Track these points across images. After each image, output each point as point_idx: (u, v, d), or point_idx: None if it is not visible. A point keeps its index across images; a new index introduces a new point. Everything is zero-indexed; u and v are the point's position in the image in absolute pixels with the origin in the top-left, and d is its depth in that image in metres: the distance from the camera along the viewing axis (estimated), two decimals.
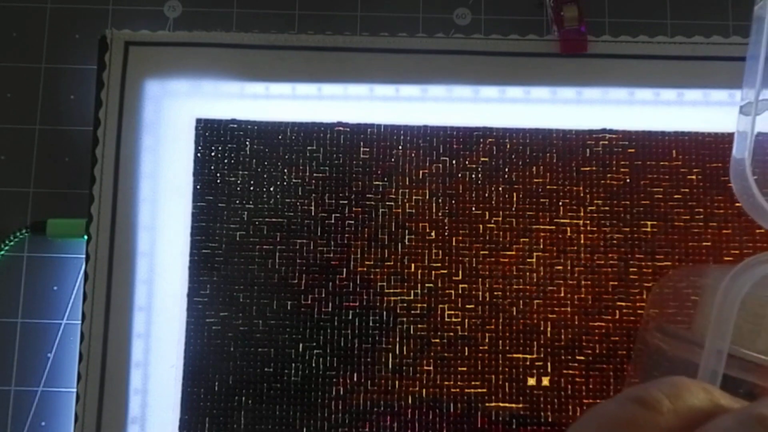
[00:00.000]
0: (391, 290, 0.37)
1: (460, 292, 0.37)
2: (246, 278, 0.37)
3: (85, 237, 0.37)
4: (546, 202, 0.38)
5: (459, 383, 0.37)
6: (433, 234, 0.38)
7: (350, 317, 0.37)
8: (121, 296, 0.37)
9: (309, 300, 0.37)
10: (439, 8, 0.41)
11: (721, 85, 0.38)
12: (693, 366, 0.27)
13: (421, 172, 0.38)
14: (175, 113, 0.39)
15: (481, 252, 0.38)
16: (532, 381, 0.37)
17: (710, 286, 0.31)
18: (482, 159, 0.38)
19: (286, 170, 0.38)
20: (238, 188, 0.38)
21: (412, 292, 0.37)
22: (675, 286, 0.35)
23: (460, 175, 0.38)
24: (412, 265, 0.37)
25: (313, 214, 0.38)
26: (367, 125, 0.39)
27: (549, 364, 0.37)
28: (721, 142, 0.38)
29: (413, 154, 0.38)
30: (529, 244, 0.38)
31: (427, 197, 0.38)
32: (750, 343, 0.28)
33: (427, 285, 0.37)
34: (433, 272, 0.37)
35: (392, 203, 0.38)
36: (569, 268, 0.37)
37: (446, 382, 0.37)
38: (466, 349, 0.37)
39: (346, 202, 0.38)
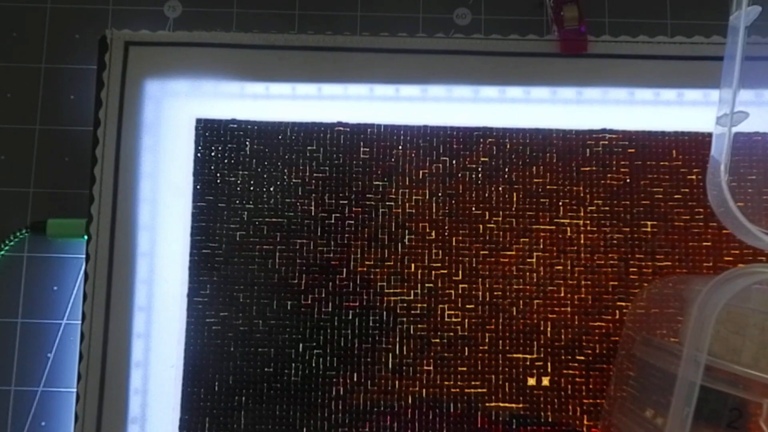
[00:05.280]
0: (391, 290, 0.37)
1: (460, 292, 0.37)
2: (246, 278, 0.37)
3: (85, 237, 0.37)
4: (546, 202, 0.38)
5: (459, 383, 0.37)
6: (433, 234, 0.38)
7: (350, 317, 0.37)
8: (121, 296, 0.37)
9: (309, 300, 0.37)
10: (439, 8, 0.41)
11: None
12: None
13: (421, 172, 0.38)
14: (175, 113, 0.39)
15: (481, 252, 0.38)
16: (532, 381, 0.37)
17: (692, 298, 0.31)
18: (482, 159, 0.38)
19: (286, 170, 0.38)
20: (238, 188, 0.38)
21: (412, 292, 0.37)
22: (660, 294, 0.35)
23: (460, 175, 0.38)
24: (412, 265, 0.37)
25: (313, 214, 0.38)
26: (367, 125, 0.39)
27: (549, 364, 0.37)
28: None
29: (413, 154, 0.38)
30: (529, 244, 0.38)
31: (427, 197, 0.38)
32: (736, 356, 0.28)
33: (427, 285, 0.37)
34: (433, 272, 0.37)
35: (392, 203, 0.38)
36: (569, 268, 0.37)
37: (446, 382, 0.37)
38: (466, 349, 0.37)
39: (346, 202, 0.38)
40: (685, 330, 0.28)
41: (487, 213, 0.38)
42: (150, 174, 0.38)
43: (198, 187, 0.38)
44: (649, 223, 0.38)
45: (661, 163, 0.38)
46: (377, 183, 0.38)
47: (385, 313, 0.37)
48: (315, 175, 0.38)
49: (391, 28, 0.40)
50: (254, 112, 0.39)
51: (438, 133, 0.39)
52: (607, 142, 0.38)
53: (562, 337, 0.37)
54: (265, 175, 0.38)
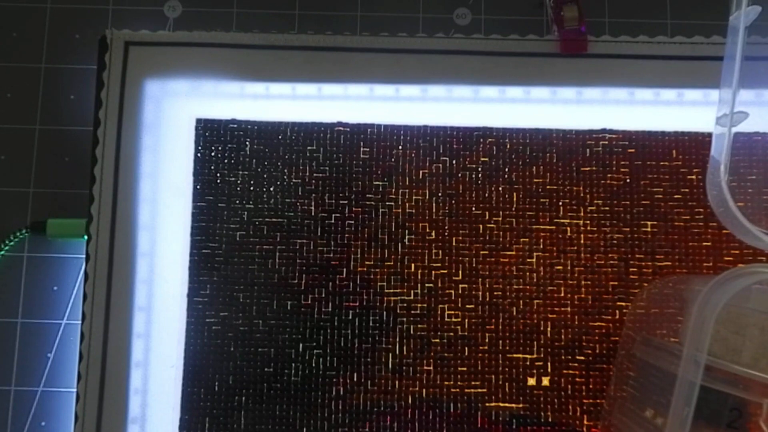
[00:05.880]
0: (391, 290, 0.37)
1: (460, 292, 0.37)
2: (246, 278, 0.37)
3: (85, 237, 0.37)
4: (546, 202, 0.38)
5: (459, 383, 0.37)
6: (433, 234, 0.38)
7: (350, 317, 0.37)
8: (121, 296, 0.37)
9: (309, 300, 0.37)
10: (439, 8, 0.41)
11: None
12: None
13: (421, 172, 0.38)
14: (175, 113, 0.39)
15: (481, 252, 0.38)
16: (532, 381, 0.37)
17: (692, 298, 0.31)
18: (482, 159, 0.38)
19: (286, 170, 0.38)
20: (238, 188, 0.38)
21: (412, 292, 0.37)
22: (660, 294, 0.35)
23: (460, 175, 0.38)
24: (412, 265, 0.37)
25: (313, 214, 0.38)
26: (367, 125, 0.39)
27: (549, 364, 0.37)
28: None
29: (413, 154, 0.38)
30: (529, 244, 0.38)
31: (427, 197, 0.38)
32: (736, 356, 0.28)
33: (427, 285, 0.37)
34: (433, 272, 0.37)
35: (392, 203, 0.38)
36: (569, 268, 0.37)
37: (446, 382, 0.37)
38: (466, 349, 0.37)
39: (346, 202, 0.38)
40: (685, 330, 0.28)
41: (487, 213, 0.38)
42: (150, 174, 0.38)
43: (198, 187, 0.38)
44: (649, 223, 0.38)
45: (661, 163, 0.38)
46: (377, 183, 0.38)
47: (385, 313, 0.37)
48: (315, 175, 0.38)
49: (391, 28, 0.40)
50: (254, 112, 0.39)
51: (438, 133, 0.39)
52: (607, 142, 0.38)
53: (562, 337, 0.37)
54: (265, 175, 0.38)
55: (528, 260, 0.38)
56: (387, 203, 0.38)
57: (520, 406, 0.36)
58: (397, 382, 0.37)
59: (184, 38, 0.39)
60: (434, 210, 0.38)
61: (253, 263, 0.38)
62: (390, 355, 0.37)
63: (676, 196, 0.38)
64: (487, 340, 0.37)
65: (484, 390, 0.37)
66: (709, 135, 0.38)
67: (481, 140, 0.39)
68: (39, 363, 0.38)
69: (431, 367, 0.37)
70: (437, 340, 0.37)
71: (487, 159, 0.38)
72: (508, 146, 0.38)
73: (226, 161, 0.38)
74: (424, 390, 0.37)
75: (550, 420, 0.36)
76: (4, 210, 0.39)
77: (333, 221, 0.38)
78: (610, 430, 0.35)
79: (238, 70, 0.39)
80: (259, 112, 0.39)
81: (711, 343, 0.27)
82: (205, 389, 0.37)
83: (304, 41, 0.39)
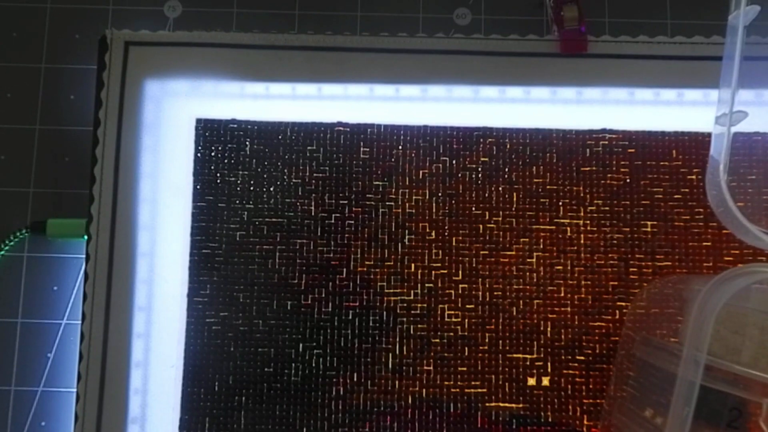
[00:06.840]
0: (391, 290, 0.37)
1: (460, 292, 0.37)
2: (246, 278, 0.37)
3: (85, 237, 0.37)
4: (546, 202, 0.38)
5: (459, 383, 0.37)
6: (433, 234, 0.38)
7: (350, 317, 0.37)
8: (121, 296, 0.37)
9: (309, 300, 0.37)
10: (439, 8, 0.41)
11: None
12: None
13: (421, 172, 0.38)
14: (175, 113, 0.39)
15: (481, 252, 0.38)
16: (532, 381, 0.37)
17: (692, 298, 0.31)
18: (482, 159, 0.38)
19: (286, 170, 0.38)
20: (238, 188, 0.38)
21: (412, 292, 0.37)
22: (660, 294, 0.35)
23: (460, 175, 0.38)
24: (412, 265, 0.37)
25: (313, 214, 0.38)
26: (367, 125, 0.39)
27: (549, 364, 0.37)
28: None
29: (413, 154, 0.38)
30: (529, 244, 0.38)
31: (427, 197, 0.38)
32: (736, 355, 0.28)
33: (427, 285, 0.37)
34: (433, 272, 0.37)
35: (392, 203, 0.38)
36: (569, 268, 0.37)
37: (446, 382, 0.37)
38: (466, 349, 0.37)
39: (346, 202, 0.38)
40: (685, 330, 0.28)
41: (487, 213, 0.38)
42: (150, 174, 0.38)
43: (198, 187, 0.38)
44: (649, 223, 0.38)
45: (661, 163, 0.38)
46: (377, 183, 0.38)
47: (385, 313, 0.37)
48: (315, 175, 0.38)
49: (391, 28, 0.40)
50: (254, 112, 0.39)
51: (438, 133, 0.39)
52: (607, 142, 0.38)
53: (562, 337, 0.37)
54: (265, 175, 0.38)
55: (528, 260, 0.38)
56: (387, 203, 0.38)
57: (520, 406, 0.36)
58: (397, 382, 0.37)
59: (184, 38, 0.39)
60: (434, 210, 0.38)
61: (253, 263, 0.38)
62: (390, 355, 0.37)
63: (676, 196, 0.38)
64: (487, 340, 0.37)
65: (484, 390, 0.37)
66: (709, 135, 0.38)
67: (481, 140, 0.39)
68: (39, 363, 0.38)
69: (431, 367, 0.37)
70: (437, 340, 0.37)
71: (487, 159, 0.38)
72: (508, 146, 0.38)
73: (226, 161, 0.38)
74: (424, 390, 0.37)
75: (550, 420, 0.36)
76: (4, 210, 0.39)
77: (333, 221, 0.38)
78: (610, 430, 0.35)
79: (238, 70, 0.39)
80: (259, 112, 0.39)
81: (711, 343, 0.27)
82: (205, 389, 0.37)
83: (304, 41, 0.39)
